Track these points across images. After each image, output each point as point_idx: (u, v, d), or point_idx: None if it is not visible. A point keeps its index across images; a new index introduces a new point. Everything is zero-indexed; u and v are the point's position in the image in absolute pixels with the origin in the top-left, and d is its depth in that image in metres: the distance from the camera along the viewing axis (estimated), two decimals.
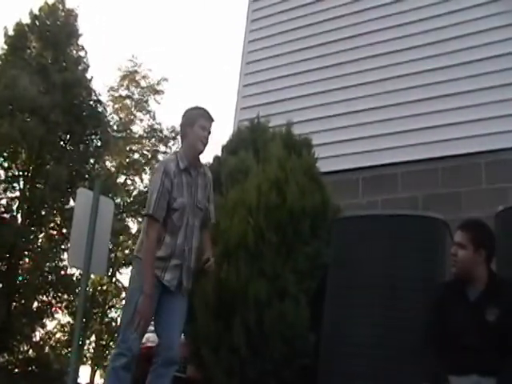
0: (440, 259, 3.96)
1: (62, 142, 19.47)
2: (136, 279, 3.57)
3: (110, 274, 22.52)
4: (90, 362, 22.97)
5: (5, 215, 18.36)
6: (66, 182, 18.00)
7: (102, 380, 23.90)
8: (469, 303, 2.82)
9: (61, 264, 19.53)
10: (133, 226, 24.20)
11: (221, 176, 4.91)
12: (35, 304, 19.42)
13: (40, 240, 19.64)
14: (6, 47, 19.54)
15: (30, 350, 19.84)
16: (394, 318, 3.82)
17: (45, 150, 18.48)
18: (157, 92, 25.79)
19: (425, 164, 5.92)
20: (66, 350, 20.38)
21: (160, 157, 23.84)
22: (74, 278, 19.35)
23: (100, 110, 20.76)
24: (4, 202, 18.80)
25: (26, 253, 18.82)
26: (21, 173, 19.04)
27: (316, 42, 6.99)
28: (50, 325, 21.44)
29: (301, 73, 7.00)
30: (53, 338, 21.45)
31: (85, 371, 22.80)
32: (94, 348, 23.20)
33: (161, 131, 25.52)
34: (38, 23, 20.06)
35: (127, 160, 24.76)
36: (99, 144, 20.60)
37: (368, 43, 6.58)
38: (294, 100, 6.89)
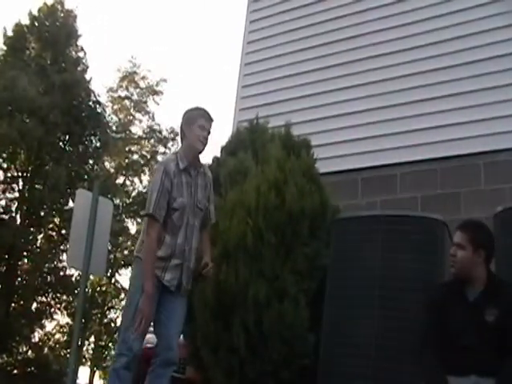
0: (439, 260, 3.96)
1: (61, 143, 19.47)
2: (137, 279, 3.57)
3: (109, 274, 22.52)
4: (89, 363, 22.96)
5: (4, 216, 18.35)
6: (65, 182, 17.99)
7: (102, 381, 23.92)
8: (468, 304, 2.82)
9: (60, 265, 19.56)
10: (132, 226, 24.25)
11: (220, 177, 4.92)
12: (34, 305, 19.42)
13: (39, 241, 19.64)
14: (4, 48, 19.55)
15: (29, 351, 19.83)
16: (394, 319, 3.83)
17: (44, 150, 18.48)
18: (156, 93, 25.81)
19: (424, 164, 5.92)
20: (65, 351, 20.37)
21: (159, 157, 23.85)
22: (73, 279, 19.36)
23: (99, 110, 20.76)
24: (3, 202, 18.83)
25: (25, 254, 18.81)
26: (20, 174, 19.03)
27: (315, 43, 7.00)
28: (49, 326, 21.51)
29: (299, 74, 7.00)
30: (52, 339, 21.44)
31: (84, 372, 22.83)
32: (93, 349, 23.19)
33: (160, 132, 25.53)
34: (37, 24, 20.06)
35: (126, 161, 24.76)
36: (98, 145, 20.60)
37: (368, 44, 6.59)
38: (293, 101, 6.90)
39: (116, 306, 24.59)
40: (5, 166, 18.87)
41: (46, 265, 19.14)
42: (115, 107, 25.41)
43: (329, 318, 4.17)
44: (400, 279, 3.93)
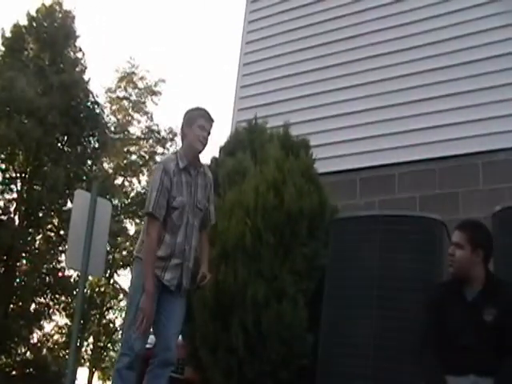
0: (438, 259, 3.96)
1: (59, 144, 19.46)
2: (137, 279, 3.57)
3: (107, 275, 22.50)
4: (87, 364, 22.93)
5: (2, 217, 18.34)
6: (64, 183, 17.97)
7: (100, 382, 23.91)
8: (466, 303, 2.82)
9: (58, 266, 19.55)
10: (130, 227, 24.24)
11: (218, 177, 4.92)
12: (33, 306, 19.41)
13: (37, 242, 19.63)
14: (3, 49, 19.54)
15: (28, 352, 19.83)
16: (392, 319, 3.83)
17: (42, 151, 18.47)
18: (154, 93, 25.80)
19: (422, 164, 5.93)
20: (63, 352, 20.34)
21: (158, 158, 23.83)
22: (72, 280, 19.35)
23: (97, 111, 20.76)
24: (1, 203, 18.83)
25: (24, 255, 18.80)
26: (18, 174, 19.02)
27: (314, 43, 7.00)
28: (48, 327, 21.46)
29: (298, 74, 7.01)
30: (50, 340, 21.42)
31: (83, 373, 22.81)
32: (91, 350, 23.16)
33: (158, 132, 25.52)
34: (35, 25, 20.05)
35: (125, 161, 24.75)
36: (97, 145, 20.59)
37: (366, 44, 6.60)
38: (292, 101, 6.90)
39: (115, 307, 24.62)
40: (3, 166, 18.86)
41: (45, 266, 19.13)
42: (113, 108, 25.40)
43: (327, 318, 4.17)
44: (398, 279, 3.93)
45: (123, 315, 24.13)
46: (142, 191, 23.66)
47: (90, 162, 20.67)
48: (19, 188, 18.94)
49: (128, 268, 22.92)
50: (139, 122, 25.66)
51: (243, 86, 7.49)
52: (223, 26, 48.92)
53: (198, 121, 3.68)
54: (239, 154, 5.11)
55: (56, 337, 21.70)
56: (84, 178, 19.45)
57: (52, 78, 18.61)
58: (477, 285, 2.84)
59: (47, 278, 19.30)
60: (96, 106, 20.63)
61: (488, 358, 2.70)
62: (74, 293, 18.14)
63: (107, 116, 23.85)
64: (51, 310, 19.85)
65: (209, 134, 3.74)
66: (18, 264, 18.74)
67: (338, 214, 4.72)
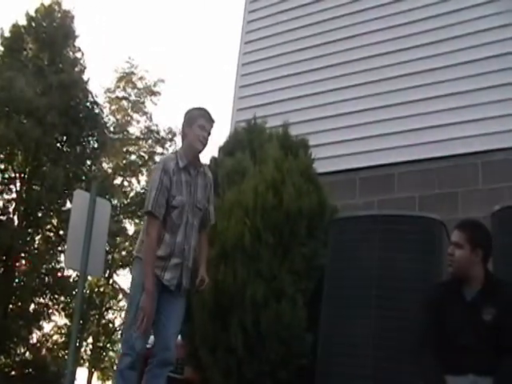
0: (437, 259, 3.96)
1: (58, 144, 19.44)
2: (137, 279, 3.57)
3: (106, 275, 22.49)
4: (87, 364, 22.92)
5: (1, 217, 18.32)
6: (63, 183, 17.96)
7: (100, 382, 23.90)
8: (465, 303, 2.83)
9: (57, 266, 19.52)
10: (130, 227, 24.23)
11: (217, 177, 4.91)
12: (32, 306, 19.39)
13: (37, 242, 19.61)
14: (2, 49, 19.53)
15: (27, 353, 19.80)
16: (391, 318, 3.83)
17: (41, 151, 18.45)
18: (153, 93, 25.78)
19: (421, 164, 5.93)
20: (63, 352, 20.31)
21: (157, 158, 23.80)
22: (71, 280, 19.34)
23: (97, 111, 20.73)
24: (0, 203, 18.78)
25: (23, 255, 18.79)
26: (17, 175, 19.00)
27: (312, 43, 7.00)
28: (47, 327, 21.44)
29: (297, 74, 7.01)
30: (50, 340, 21.39)
31: (82, 373, 22.79)
32: (91, 350, 23.13)
33: (157, 132, 25.50)
34: (34, 25, 20.03)
35: (124, 161, 24.73)
36: (96, 145, 20.56)
37: (365, 44, 6.60)
38: (291, 101, 6.90)
39: (114, 307, 24.60)
40: (2, 167, 18.84)
41: (44, 266, 19.11)
42: (113, 108, 25.39)
43: (326, 318, 4.17)
44: (397, 279, 3.93)
45: (122, 315, 24.14)
46: (142, 191, 23.65)
47: (89, 162, 20.66)
48: (18, 188, 18.93)
49: (127, 268, 22.91)
50: (138, 122, 25.68)
51: (242, 86, 7.49)
52: (222, 26, 48.95)
53: (198, 121, 3.69)
54: (238, 153, 5.11)
55: (55, 337, 21.69)
56: (83, 178, 19.43)
57: (51, 78, 18.59)
58: (476, 284, 2.84)
59: (46, 278, 19.27)
60: (95, 106, 20.61)
61: (487, 357, 2.70)
62: (74, 293, 18.12)
63: (106, 116, 23.85)
64: (50, 310, 19.83)
65: (209, 134, 3.74)
66: (17, 264, 18.73)
67: (337, 213, 4.72)
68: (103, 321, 23.85)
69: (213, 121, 3.77)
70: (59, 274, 19.40)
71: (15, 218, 18.56)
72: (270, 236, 4.35)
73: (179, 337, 4.34)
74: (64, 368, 14.54)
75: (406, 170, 6.01)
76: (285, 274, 4.31)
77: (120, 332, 23.09)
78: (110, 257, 21.61)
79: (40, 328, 20.43)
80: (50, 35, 19.81)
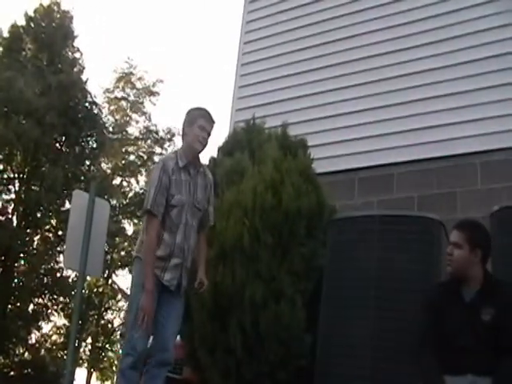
0: (436, 259, 3.96)
1: (57, 144, 19.42)
2: (137, 279, 3.58)
3: (105, 275, 22.47)
4: (86, 365, 22.91)
5: (0, 218, 18.30)
6: (62, 184, 17.94)
7: (99, 382, 23.88)
8: (464, 303, 2.82)
9: (56, 266, 19.50)
10: (129, 227, 24.21)
11: (216, 177, 4.91)
12: (31, 306, 19.37)
13: (35, 242, 19.59)
14: (0, 49, 19.50)
15: (26, 353, 19.78)
16: (390, 319, 3.83)
17: (40, 152, 18.44)
18: (152, 93, 25.76)
19: (420, 164, 5.93)
20: (61, 353, 20.30)
21: (156, 158, 23.78)
22: (70, 280, 19.33)
23: (95, 111, 20.71)
24: None
25: (22, 255, 18.76)
26: (16, 175, 18.98)
27: (311, 44, 7.00)
28: (46, 327, 21.44)
29: (296, 74, 7.00)
30: (49, 341, 21.39)
31: (81, 374, 22.78)
32: (90, 350, 23.11)
33: (156, 133, 25.49)
34: (33, 25, 20.02)
35: (123, 162, 24.71)
36: (95, 146, 20.55)
37: (364, 44, 6.59)
38: (290, 101, 6.90)
39: (113, 307, 24.57)
40: (1, 167, 18.81)
41: (43, 266, 19.09)
42: (112, 108, 25.37)
43: (325, 319, 4.17)
44: (396, 279, 3.93)
45: (121, 316, 24.14)
46: (141, 191, 23.64)
47: (88, 163, 20.64)
48: (17, 188, 18.91)
49: (126, 268, 22.90)
50: (137, 122, 25.66)
51: (241, 86, 7.49)
52: (222, 26, 48.96)
53: (198, 121, 3.69)
54: (237, 154, 5.11)
55: (54, 337, 21.68)
56: (82, 178, 19.42)
57: (50, 79, 18.57)
58: (474, 285, 2.84)
59: (45, 279, 19.25)
60: (94, 107, 20.60)
61: (486, 358, 2.70)
62: (72, 293, 18.10)
63: (105, 116, 23.81)
64: (49, 311, 19.81)
65: (209, 135, 3.74)
66: (15, 264, 18.71)
67: (336, 214, 4.72)
68: (102, 321, 23.83)
69: (213, 122, 3.77)
70: (58, 275, 19.38)
71: (14, 218, 18.55)
72: (269, 236, 4.35)
73: (178, 337, 4.34)
74: (63, 368, 14.54)
75: (405, 170, 6.01)
76: (284, 274, 4.30)
77: (119, 332, 23.09)
78: (108, 257, 21.59)
79: (39, 328, 20.42)
80: (49, 35, 19.80)
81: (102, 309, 23.72)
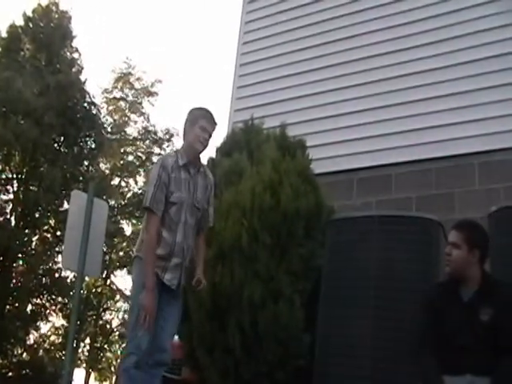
0: (434, 260, 3.97)
1: (55, 145, 19.40)
2: (138, 278, 3.58)
3: (104, 276, 22.46)
4: (84, 365, 22.90)
5: None
6: (60, 184, 17.92)
7: (97, 383, 23.87)
8: (462, 303, 2.83)
9: (55, 266, 19.47)
10: (127, 228, 24.21)
11: (215, 178, 4.91)
12: (29, 307, 19.33)
13: (34, 243, 19.55)
14: None
15: (24, 354, 19.76)
16: (389, 319, 3.83)
17: (39, 152, 18.41)
18: (151, 94, 25.77)
19: (419, 165, 5.93)
20: (60, 353, 20.29)
21: (154, 159, 23.78)
22: (69, 281, 19.30)
23: (94, 112, 20.69)
24: None
25: (20, 255, 18.73)
26: (14, 175, 18.95)
27: (310, 44, 7.00)
28: (44, 328, 21.43)
29: (295, 74, 7.01)
30: (47, 341, 21.37)
31: (79, 374, 22.76)
32: (88, 351, 23.12)
33: (155, 133, 25.49)
34: (31, 25, 19.98)
35: (121, 162, 24.71)
36: (93, 146, 20.53)
37: (363, 44, 6.60)
38: (288, 102, 6.90)
39: (111, 308, 24.57)
40: None
41: (41, 266, 19.06)
42: (110, 108, 25.36)
43: (324, 319, 4.17)
44: (395, 279, 3.94)
45: (120, 316, 24.16)
46: (139, 192, 23.63)
47: (86, 163, 20.62)
48: (15, 189, 18.89)
49: (125, 269, 22.89)
50: (136, 122, 25.66)
51: (240, 87, 7.49)
52: (221, 26, 48.93)
53: (200, 121, 3.69)
54: (236, 154, 5.11)
55: (52, 338, 21.66)
56: (81, 178, 19.40)
57: (48, 79, 18.55)
58: (473, 285, 2.84)
59: (44, 279, 19.22)
60: (93, 107, 20.57)
61: (485, 357, 2.71)
62: (71, 294, 18.07)
63: (104, 117, 23.79)
64: (48, 311, 19.79)
65: (210, 136, 3.75)
66: (14, 265, 18.68)
67: (335, 214, 4.72)
68: (100, 321, 23.83)
69: (215, 123, 3.77)
70: (56, 275, 19.35)
71: (12, 218, 18.52)
72: (268, 237, 4.35)
73: (176, 337, 4.34)
74: (61, 369, 14.51)
75: (403, 170, 6.01)
76: (282, 274, 4.30)
77: (117, 333, 23.09)
78: (107, 257, 21.56)
79: (37, 329, 20.40)
80: (48, 36, 19.77)
81: (101, 309, 23.72)
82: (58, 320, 20.84)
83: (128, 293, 22.34)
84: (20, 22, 19.94)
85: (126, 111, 25.47)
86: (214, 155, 5.47)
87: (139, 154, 25.37)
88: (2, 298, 17.49)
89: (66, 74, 19.34)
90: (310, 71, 6.89)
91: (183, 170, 3.67)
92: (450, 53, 6.02)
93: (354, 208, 5.99)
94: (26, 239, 18.66)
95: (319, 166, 5.28)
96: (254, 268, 4.29)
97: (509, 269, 3.53)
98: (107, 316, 24.46)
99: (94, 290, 23.16)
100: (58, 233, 18.56)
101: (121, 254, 23.48)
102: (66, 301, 19.48)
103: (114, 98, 25.57)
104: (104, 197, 16.76)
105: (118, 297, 24.06)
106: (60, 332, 21.44)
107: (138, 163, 24.96)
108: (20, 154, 18.49)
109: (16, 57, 19.29)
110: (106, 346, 23.90)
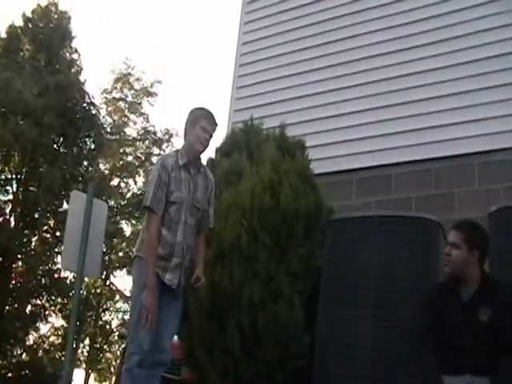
0: (433, 260, 3.97)
1: (55, 145, 19.38)
2: (138, 278, 3.58)
3: (103, 276, 22.45)
4: (83, 366, 22.88)
5: None
6: (60, 184, 17.91)
7: (97, 383, 23.86)
8: (462, 304, 2.83)
9: (54, 267, 19.45)
10: (127, 228, 24.20)
11: (215, 178, 4.91)
12: (29, 307, 19.32)
13: (33, 243, 19.54)
14: None
15: (24, 354, 19.74)
16: (389, 319, 3.83)
17: (38, 152, 18.40)
18: (150, 94, 25.76)
19: (418, 165, 5.93)
20: (59, 354, 20.27)
21: (154, 159, 23.78)
22: (68, 281, 19.29)
23: (93, 112, 20.68)
24: None
25: (20, 256, 18.72)
26: (14, 176, 18.94)
27: (309, 44, 7.01)
28: (44, 328, 21.38)
29: (294, 75, 7.01)
30: (46, 342, 21.35)
31: (79, 375, 22.75)
32: (87, 351, 23.11)
33: (154, 133, 25.47)
34: (30, 26, 19.97)
35: (121, 162, 24.70)
36: (93, 146, 20.52)
37: (363, 44, 6.60)
38: (288, 102, 6.90)
39: (111, 308, 24.56)
40: None
41: (41, 267, 19.05)
42: (109, 109, 25.35)
43: (323, 319, 4.17)
44: (394, 280, 3.94)
45: (119, 317, 24.15)
46: (138, 192, 23.63)
47: (86, 163, 20.61)
48: (15, 189, 18.88)
49: (124, 269, 22.89)
50: (135, 123, 25.65)
51: (239, 87, 7.49)
52: (221, 26, 48.95)
53: (200, 122, 3.69)
54: (235, 154, 5.11)
55: (52, 338, 21.64)
56: (80, 179, 19.38)
57: (48, 79, 18.54)
58: (472, 285, 2.84)
59: (43, 280, 19.20)
60: (92, 107, 20.56)
61: (485, 357, 2.71)
62: (70, 294, 18.06)
63: (103, 117, 23.77)
64: (47, 312, 19.77)
65: (211, 136, 3.75)
66: (13, 265, 18.67)
67: (334, 214, 4.72)
68: (100, 322, 23.82)
69: (216, 123, 3.77)
70: (56, 276, 19.34)
71: (12, 219, 18.51)
72: (267, 237, 4.35)
73: (176, 338, 4.34)
74: (61, 369, 14.51)
75: (403, 170, 6.01)
76: (282, 274, 4.30)
77: (117, 333, 23.07)
78: (106, 258, 21.54)
79: (36, 329, 20.39)
80: (47, 36, 19.77)
81: (100, 310, 23.72)
82: (57, 320, 20.86)
83: (127, 293, 22.37)
84: (19, 22, 19.94)
85: (126, 112, 25.47)
86: (213, 155, 5.47)
87: (138, 154, 25.37)
88: (1, 298, 17.48)
89: (65, 74, 19.33)
90: (309, 71, 6.89)
91: (183, 169, 3.68)
92: (450, 53, 6.02)
93: (353, 208, 5.99)
94: (25, 240, 18.66)
95: (319, 166, 5.28)
96: (254, 268, 4.29)
97: (508, 269, 3.53)
98: (107, 316, 24.47)
99: (93, 291, 23.15)
100: (58, 233, 18.54)
101: (120, 254, 23.47)
102: (66, 301, 19.47)
103: (114, 98, 25.56)
104: (103, 197, 16.74)
105: (117, 297, 24.06)
106: (59, 332, 21.42)
107: (137, 164, 24.96)
108: (19, 154, 18.48)
109: (15, 57, 19.28)
110: (105, 347, 23.89)
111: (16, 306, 18.77)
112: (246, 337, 4.21)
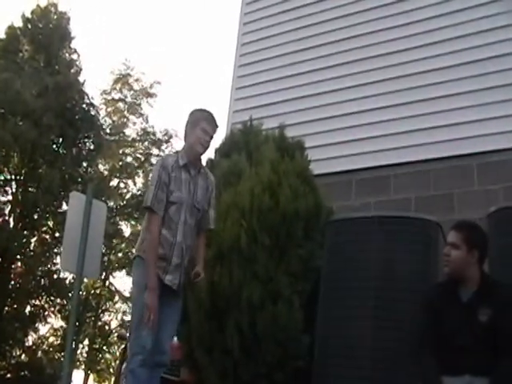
0: (433, 260, 3.97)
1: (54, 146, 19.37)
2: (139, 278, 3.57)
3: (103, 277, 22.44)
4: (83, 367, 22.88)
5: None
6: (59, 185, 17.90)
7: None
8: (461, 304, 2.83)
9: (53, 268, 19.44)
10: (126, 229, 24.21)
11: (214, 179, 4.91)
12: (28, 308, 19.31)
13: (32, 244, 19.53)
14: None
15: (23, 355, 19.72)
16: (388, 320, 3.83)
17: (37, 153, 18.40)
18: (149, 95, 25.77)
19: (418, 165, 5.93)
20: (58, 355, 20.25)
21: (153, 160, 23.79)
22: (67, 282, 19.27)
23: (93, 113, 20.67)
24: None
25: (19, 257, 18.70)
26: (13, 176, 18.93)
27: (309, 45, 7.01)
28: (43, 329, 21.36)
29: (293, 75, 7.00)
30: (45, 343, 21.34)
31: (78, 375, 22.74)
32: (87, 352, 23.11)
33: (154, 134, 25.49)
34: (30, 26, 19.97)
35: (120, 163, 24.71)
36: (92, 147, 20.51)
37: (363, 45, 6.60)
38: (287, 103, 6.90)
39: (110, 309, 24.56)
40: None
41: (40, 268, 19.03)
42: (109, 109, 25.35)
43: (323, 320, 4.17)
44: (394, 280, 3.94)
45: (119, 317, 24.13)
46: (138, 193, 23.64)
47: (85, 164, 20.60)
48: (14, 190, 18.87)
49: (124, 270, 22.88)
50: (134, 123, 25.66)
51: (238, 88, 7.49)
52: (221, 27, 48.92)
53: (201, 123, 3.70)
54: (234, 155, 5.11)
55: (51, 339, 21.63)
56: (79, 179, 19.38)
57: (47, 80, 18.53)
58: (471, 285, 2.85)
59: (42, 281, 19.19)
60: (91, 108, 20.55)
61: (484, 358, 2.71)
62: (70, 295, 18.05)
63: (102, 118, 23.77)
64: (46, 313, 19.75)
65: (212, 138, 3.76)
66: (12, 266, 18.65)
67: (334, 215, 4.72)
68: (99, 323, 23.82)
69: (216, 125, 3.78)
70: (55, 276, 19.33)
71: (11, 220, 18.51)
72: (267, 238, 4.35)
73: (175, 338, 4.34)
74: (60, 370, 14.48)
75: (402, 171, 6.01)
76: (281, 275, 4.30)
77: (116, 334, 23.06)
78: (106, 259, 21.55)
79: (36, 330, 20.36)
80: (46, 37, 19.76)
81: (99, 310, 23.72)
82: (56, 321, 20.84)
83: (127, 294, 22.37)
84: (19, 23, 19.94)
85: (125, 112, 25.47)
86: (212, 156, 5.47)
87: (138, 155, 25.38)
88: (0, 299, 17.47)
89: (64, 75, 19.32)
90: (309, 72, 6.89)
91: (183, 170, 3.68)
92: (451, 53, 6.02)
93: (352, 209, 5.98)
94: (24, 240, 18.64)
95: (318, 166, 5.28)
96: (253, 269, 4.29)
97: (508, 269, 3.53)
98: (106, 317, 24.48)
99: (92, 292, 23.15)
100: (57, 234, 18.53)
101: (120, 255, 23.48)
102: (65, 302, 19.45)
103: (113, 99, 25.56)
104: (103, 198, 16.74)
105: (116, 298, 24.05)
106: (59, 333, 21.41)
107: (136, 164, 24.97)
108: (19, 155, 18.47)
109: (14, 58, 19.27)
110: (104, 348, 23.87)
111: (15, 306, 18.76)
112: (245, 337, 4.21)
